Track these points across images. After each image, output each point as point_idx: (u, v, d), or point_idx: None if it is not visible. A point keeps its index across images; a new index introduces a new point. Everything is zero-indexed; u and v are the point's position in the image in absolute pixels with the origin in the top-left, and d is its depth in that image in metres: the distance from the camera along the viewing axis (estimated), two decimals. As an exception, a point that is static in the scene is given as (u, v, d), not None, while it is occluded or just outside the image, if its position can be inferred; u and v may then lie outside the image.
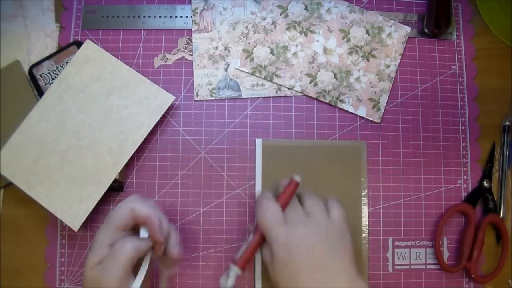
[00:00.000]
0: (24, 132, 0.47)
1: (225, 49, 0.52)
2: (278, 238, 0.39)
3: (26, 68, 0.50)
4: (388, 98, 0.52)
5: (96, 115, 0.47)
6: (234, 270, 0.41)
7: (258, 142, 0.50)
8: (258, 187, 0.49)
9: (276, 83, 0.51)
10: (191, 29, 0.52)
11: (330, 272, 0.38)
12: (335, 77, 0.51)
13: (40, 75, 0.49)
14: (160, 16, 0.52)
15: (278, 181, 0.45)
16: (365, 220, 0.49)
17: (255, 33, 0.52)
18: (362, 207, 0.49)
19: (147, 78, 0.49)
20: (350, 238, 0.41)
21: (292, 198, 0.43)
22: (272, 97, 0.51)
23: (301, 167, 0.49)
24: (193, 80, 0.51)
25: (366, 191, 0.50)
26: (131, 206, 0.39)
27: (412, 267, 0.49)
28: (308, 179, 0.47)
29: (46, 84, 0.49)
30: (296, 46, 0.52)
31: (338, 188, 0.49)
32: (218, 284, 0.44)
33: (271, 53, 0.51)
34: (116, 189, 0.48)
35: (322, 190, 0.48)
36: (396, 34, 0.53)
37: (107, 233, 0.39)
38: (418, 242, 0.50)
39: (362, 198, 0.49)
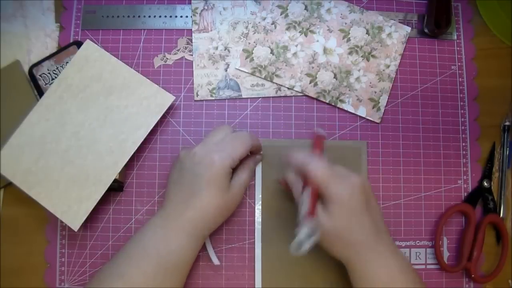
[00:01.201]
0: (24, 132, 0.47)
1: (225, 49, 0.52)
2: (344, 188, 0.40)
3: (26, 68, 0.50)
4: (388, 98, 0.52)
5: (96, 115, 0.47)
6: (309, 224, 0.38)
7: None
8: (258, 188, 0.49)
9: (276, 83, 0.51)
10: (191, 29, 0.52)
11: (379, 220, 0.42)
12: (335, 77, 0.51)
13: (40, 75, 0.49)
14: (160, 16, 0.52)
15: (281, 180, 0.47)
16: None
17: (255, 33, 0.52)
18: None
19: (147, 78, 0.49)
20: None
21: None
22: (272, 97, 0.51)
23: None
24: (193, 80, 0.51)
25: None
26: (252, 143, 0.44)
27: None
28: None
29: (46, 84, 0.49)
30: (296, 46, 0.52)
31: None
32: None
33: (271, 53, 0.51)
34: (116, 189, 0.48)
35: None
36: (396, 34, 0.53)
37: (232, 164, 0.42)
38: (418, 242, 0.50)
39: None
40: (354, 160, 0.50)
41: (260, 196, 0.49)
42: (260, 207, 0.49)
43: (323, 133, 0.44)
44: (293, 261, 0.48)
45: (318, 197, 0.40)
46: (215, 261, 0.46)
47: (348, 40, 0.52)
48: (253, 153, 0.48)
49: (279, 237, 0.48)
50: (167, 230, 0.42)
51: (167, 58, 0.52)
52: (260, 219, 0.49)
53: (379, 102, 0.51)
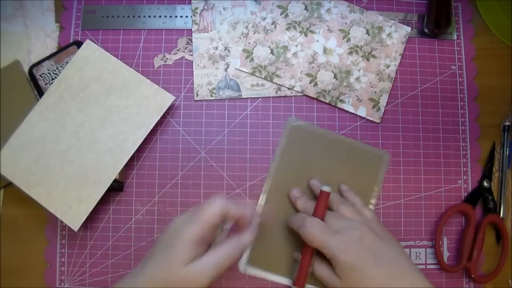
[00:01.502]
0: (24, 132, 0.47)
1: (225, 49, 0.52)
2: (338, 246, 0.40)
3: (26, 68, 0.50)
4: (388, 98, 0.52)
5: (96, 115, 0.47)
6: None
7: (290, 120, 0.50)
8: (273, 167, 0.49)
9: (276, 83, 0.51)
10: (191, 29, 0.52)
11: (394, 262, 0.40)
12: (335, 77, 0.51)
13: (40, 75, 0.49)
14: (160, 16, 0.52)
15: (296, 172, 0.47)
16: None
17: (255, 33, 0.52)
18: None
19: (147, 78, 0.49)
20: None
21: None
22: (272, 97, 0.51)
23: (321, 158, 0.50)
24: (193, 80, 0.51)
25: (375, 200, 0.50)
26: (222, 205, 0.37)
27: (412, 267, 0.49)
28: (323, 173, 0.49)
29: (46, 84, 0.49)
30: (296, 46, 0.52)
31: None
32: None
33: (271, 53, 0.51)
34: (116, 189, 0.49)
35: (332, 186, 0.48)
36: (396, 34, 0.53)
37: (196, 231, 0.36)
38: (418, 242, 0.50)
39: (370, 206, 0.49)
40: (372, 168, 0.50)
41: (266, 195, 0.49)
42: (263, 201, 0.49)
43: (328, 190, 0.44)
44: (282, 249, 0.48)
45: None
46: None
47: (348, 40, 0.52)
48: (242, 226, 0.40)
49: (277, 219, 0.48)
50: None
51: (167, 58, 0.52)
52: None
53: (379, 102, 0.51)
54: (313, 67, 0.51)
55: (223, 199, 0.38)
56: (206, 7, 0.52)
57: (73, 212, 0.46)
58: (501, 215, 0.50)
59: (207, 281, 0.35)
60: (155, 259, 0.37)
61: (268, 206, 0.49)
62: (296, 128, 0.50)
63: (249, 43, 0.52)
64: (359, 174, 0.50)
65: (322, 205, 0.43)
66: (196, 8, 0.52)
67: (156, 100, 0.48)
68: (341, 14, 0.52)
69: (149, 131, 0.48)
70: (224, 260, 0.37)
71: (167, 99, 0.48)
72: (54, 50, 0.51)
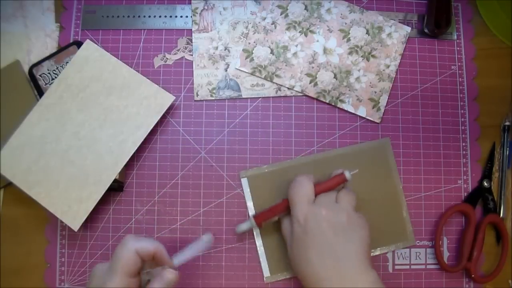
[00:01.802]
0: (24, 132, 0.47)
1: (225, 49, 0.52)
2: (299, 215, 0.41)
3: (26, 68, 0.50)
4: (388, 98, 0.52)
5: (96, 115, 0.47)
6: (251, 222, 0.45)
7: (241, 173, 0.49)
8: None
9: (276, 83, 0.51)
10: (191, 29, 0.52)
11: (342, 259, 0.39)
12: (335, 77, 0.51)
13: (40, 75, 0.49)
14: (160, 16, 0.52)
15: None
16: (406, 214, 0.49)
17: (255, 33, 0.52)
18: (402, 201, 0.50)
19: (147, 78, 0.49)
20: (369, 233, 0.42)
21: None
22: (272, 97, 0.51)
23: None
24: (193, 80, 0.51)
25: (402, 185, 0.50)
26: (134, 247, 0.37)
27: (412, 267, 0.49)
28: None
29: (46, 84, 0.49)
30: (296, 46, 0.52)
31: (372, 190, 0.49)
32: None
33: (271, 53, 0.51)
34: (116, 189, 0.49)
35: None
36: (396, 34, 0.53)
37: (118, 283, 0.36)
38: (418, 242, 0.50)
39: (400, 194, 0.50)
40: (381, 158, 0.50)
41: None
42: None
43: (348, 177, 0.44)
44: None
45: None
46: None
47: (348, 40, 0.52)
48: (160, 262, 0.39)
49: (275, 224, 0.48)
50: None
51: (167, 58, 0.52)
52: (254, 213, 0.49)
53: (379, 102, 0.51)
54: (313, 67, 0.51)
55: (132, 240, 0.38)
56: (206, 7, 0.52)
57: (73, 212, 0.46)
58: (501, 215, 0.50)
59: None
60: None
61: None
62: (253, 177, 0.49)
63: (249, 43, 0.52)
64: (371, 173, 0.50)
65: (329, 183, 0.44)
66: (196, 8, 0.52)
67: (156, 100, 0.48)
68: (341, 14, 0.52)
69: (149, 131, 0.48)
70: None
71: (167, 99, 0.48)
72: (54, 50, 0.51)
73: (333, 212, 0.41)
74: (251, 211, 0.49)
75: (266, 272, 0.48)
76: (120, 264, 0.36)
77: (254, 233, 0.48)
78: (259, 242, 0.48)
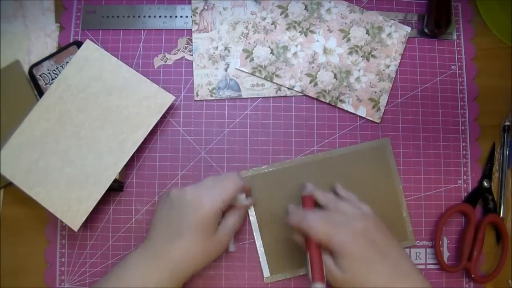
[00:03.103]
0: (24, 132, 0.47)
1: (225, 49, 0.52)
2: (345, 238, 0.39)
3: (26, 68, 0.50)
4: (388, 98, 0.52)
5: (96, 115, 0.47)
6: (319, 285, 0.40)
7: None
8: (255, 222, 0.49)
9: (276, 83, 0.51)
10: (191, 29, 0.52)
11: (396, 258, 0.40)
12: (335, 77, 0.51)
13: (40, 75, 0.49)
14: (160, 16, 0.52)
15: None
16: (406, 214, 0.49)
17: (255, 33, 0.52)
18: (402, 201, 0.50)
19: (147, 78, 0.49)
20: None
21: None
22: (272, 97, 0.51)
23: (326, 181, 0.49)
24: (193, 80, 0.51)
25: (402, 186, 0.50)
26: (240, 182, 0.44)
27: (412, 267, 0.49)
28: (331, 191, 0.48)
29: (46, 84, 0.49)
30: (296, 46, 0.52)
31: (372, 190, 0.50)
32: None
33: (271, 53, 0.51)
34: (116, 189, 0.49)
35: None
36: (396, 34, 0.53)
37: (221, 206, 0.42)
38: (418, 242, 0.50)
39: (400, 195, 0.50)
40: (381, 158, 0.50)
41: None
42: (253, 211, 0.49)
43: (310, 192, 0.45)
44: (294, 245, 0.47)
45: (327, 251, 0.41)
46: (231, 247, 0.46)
47: (348, 40, 0.52)
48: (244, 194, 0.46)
49: (275, 225, 0.48)
50: (151, 267, 0.40)
51: (167, 58, 0.52)
52: (254, 213, 0.49)
53: (379, 102, 0.51)
54: (313, 67, 0.51)
55: (237, 177, 0.44)
56: (206, 7, 0.52)
57: (73, 212, 0.46)
58: (501, 215, 0.50)
59: (229, 239, 0.44)
60: (189, 236, 0.41)
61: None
62: (253, 177, 0.49)
63: (249, 43, 0.52)
64: (371, 173, 0.50)
65: (310, 207, 0.44)
66: (196, 8, 0.52)
67: (156, 100, 0.48)
68: (341, 14, 0.52)
69: (149, 131, 0.48)
70: (238, 222, 0.45)
71: (167, 99, 0.48)
72: (54, 50, 0.51)
73: (361, 221, 0.41)
74: (251, 212, 0.49)
75: (266, 273, 0.48)
76: (227, 191, 0.43)
77: (254, 233, 0.48)
78: (259, 242, 0.48)
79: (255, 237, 0.48)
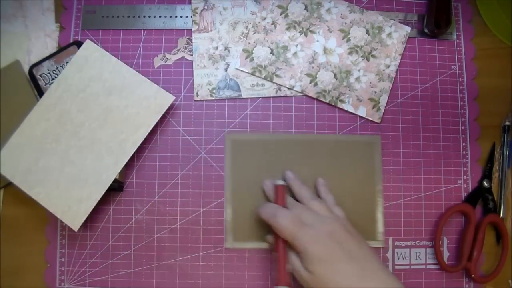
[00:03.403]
0: (24, 132, 0.47)
1: (225, 49, 0.52)
2: (309, 238, 0.40)
3: (26, 68, 0.50)
4: (388, 98, 0.52)
5: (96, 115, 0.47)
6: None
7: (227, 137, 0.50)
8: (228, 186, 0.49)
9: (276, 83, 0.51)
10: (191, 29, 0.52)
11: (364, 259, 0.40)
12: (335, 77, 0.51)
13: (40, 75, 0.49)
14: (160, 16, 0.52)
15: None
16: (380, 225, 0.49)
17: (255, 33, 0.52)
18: (378, 206, 0.50)
19: (147, 78, 0.49)
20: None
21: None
22: (272, 97, 0.51)
23: (305, 163, 0.50)
24: (193, 80, 0.51)
25: (381, 186, 0.50)
26: None
27: (412, 267, 0.49)
28: (312, 175, 0.49)
29: (46, 84, 0.49)
30: (296, 46, 0.52)
31: (352, 183, 0.50)
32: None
33: (271, 53, 0.51)
34: (116, 189, 0.49)
35: (332, 187, 0.49)
36: (396, 34, 0.53)
37: None
38: (418, 242, 0.50)
39: (378, 195, 0.50)
40: (368, 155, 0.50)
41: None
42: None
43: (283, 183, 0.46)
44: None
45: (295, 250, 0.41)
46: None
47: (348, 40, 0.52)
48: None
49: (246, 194, 0.49)
50: None
51: (167, 58, 0.52)
52: (230, 176, 0.49)
53: (379, 102, 0.51)
54: (313, 67, 0.51)
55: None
56: (206, 7, 0.52)
57: (73, 212, 0.46)
58: (501, 215, 0.50)
59: None
60: None
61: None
62: (237, 141, 0.50)
63: (249, 43, 0.52)
64: (354, 167, 0.50)
65: (280, 199, 0.44)
66: (196, 8, 0.52)
67: (156, 100, 0.48)
68: (341, 14, 0.52)
69: (149, 131, 0.48)
70: None
71: (167, 99, 0.48)
72: (54, 50, 0.51)
73: (330, 224, 0.41)
74: (227, 175, 0.49)
75: (228, 238, 0.48)
76: None
77: (225, 196, 0.49)
78: (228, 207, 0.49)
79: (225, 201, 0.49)
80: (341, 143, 0.50)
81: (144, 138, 0.48)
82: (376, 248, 0.49)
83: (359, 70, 0.52)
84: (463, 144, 0.52)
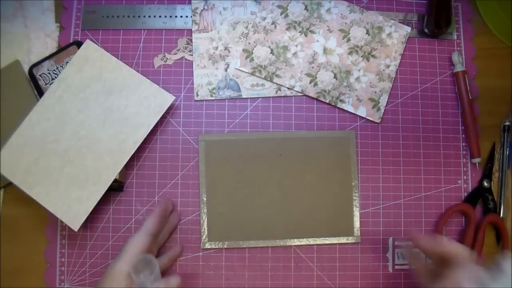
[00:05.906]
0: (24, 132, 0.47)
1: (225, 49, 0.52)
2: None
3: (26, 68, 0.50)
4: (388, 98, 0.52)
5: (96, 115, 0.47)
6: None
7: (200, 137, 0.50)
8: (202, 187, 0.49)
9: (276, 83, 0.51)
10: (191, 29, 0.52)
11: None
12: (335, 77, 0.51)
13: (40, 75, 0.49)
14: (160, 16, 0.52)
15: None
16: (356, 211, 0.49)
17: (255, 33, 0.52)
18: (354, 196, 0.50)
19: (147, 78, 0.49)
20: None
21: None
22: (272, 97, 0.51)
23: (280, 161, 0.50)
24: (193, 80, 0.51)
25: (357, 182, 0.50)
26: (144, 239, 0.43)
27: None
28: (287, 172, 0.49)
29: (46, 84, 0.49)
30: (296, 46, 0.52)
31: (328, 179, 0.50)
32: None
33: (271, 53, 0.51)
34: (116, 189, 0.49)
35: (308, 183, 0.49)
36: (396, 34, 0.53)
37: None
38: (418, 242, 0.50)
39: (354, 195, 0.50)
40: (343, 150, 0.50)
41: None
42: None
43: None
44: (236, 217, 0.48)
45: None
46: None
47: (348, 40, 0.52)
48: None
49: (223, 193, 0.49)
50: None
51: (167, 58, 0.52)
52: (205, 177, 0.49)
53: (379, 102, 0.51)
54: (313, 67, 0.51)
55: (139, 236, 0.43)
56: (206, 7, 0.52)
57: (73, 212, 0.46)
58: (501, 215, 0.50)
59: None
60: None
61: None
62: (211, 142, 0.50)
63: (249, 43, 0.52)
64: (330, 163, 0.50)
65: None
66: (196, 8, 0.52)
67: (156, 100, 0.48)
68: (341, 14, 0.52)
69: (149, 131, 0.48)
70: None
71: (167, 99, 0.48)
72: (54, 50, 0.51)
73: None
74: (203, 175, 0.49)
75: (204, 238, 0.48)
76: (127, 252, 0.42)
77: (200, 197, 0.49)
78: (203, 207, 0.49)
79: (200, 201, 0.49)
80: (316, 139, 0.50)
81: (144, 138, 0.48)
82: (353, 243, 0.49)
83: (359, 70, 0.52)
84: (463, 144, 0.52)
